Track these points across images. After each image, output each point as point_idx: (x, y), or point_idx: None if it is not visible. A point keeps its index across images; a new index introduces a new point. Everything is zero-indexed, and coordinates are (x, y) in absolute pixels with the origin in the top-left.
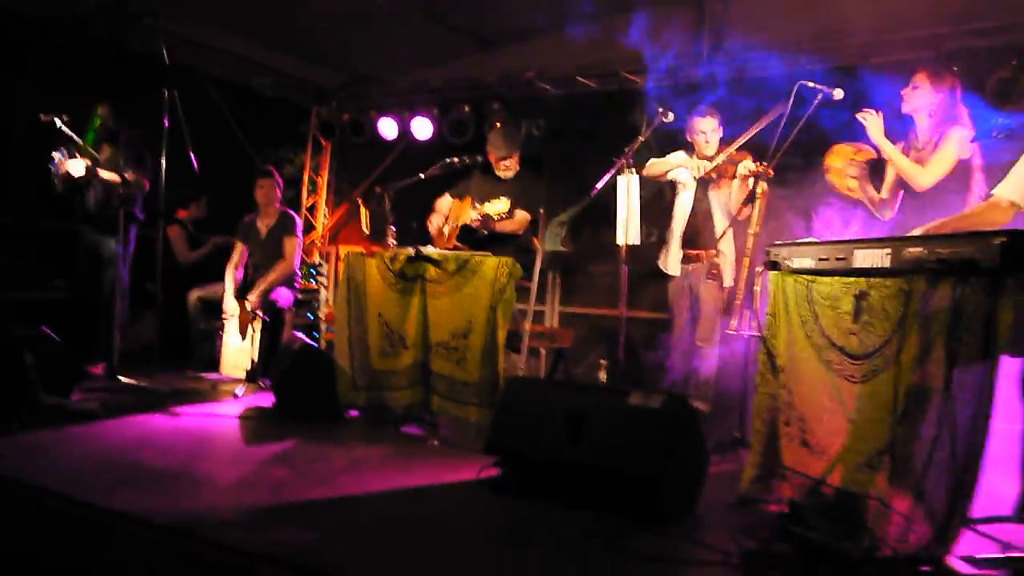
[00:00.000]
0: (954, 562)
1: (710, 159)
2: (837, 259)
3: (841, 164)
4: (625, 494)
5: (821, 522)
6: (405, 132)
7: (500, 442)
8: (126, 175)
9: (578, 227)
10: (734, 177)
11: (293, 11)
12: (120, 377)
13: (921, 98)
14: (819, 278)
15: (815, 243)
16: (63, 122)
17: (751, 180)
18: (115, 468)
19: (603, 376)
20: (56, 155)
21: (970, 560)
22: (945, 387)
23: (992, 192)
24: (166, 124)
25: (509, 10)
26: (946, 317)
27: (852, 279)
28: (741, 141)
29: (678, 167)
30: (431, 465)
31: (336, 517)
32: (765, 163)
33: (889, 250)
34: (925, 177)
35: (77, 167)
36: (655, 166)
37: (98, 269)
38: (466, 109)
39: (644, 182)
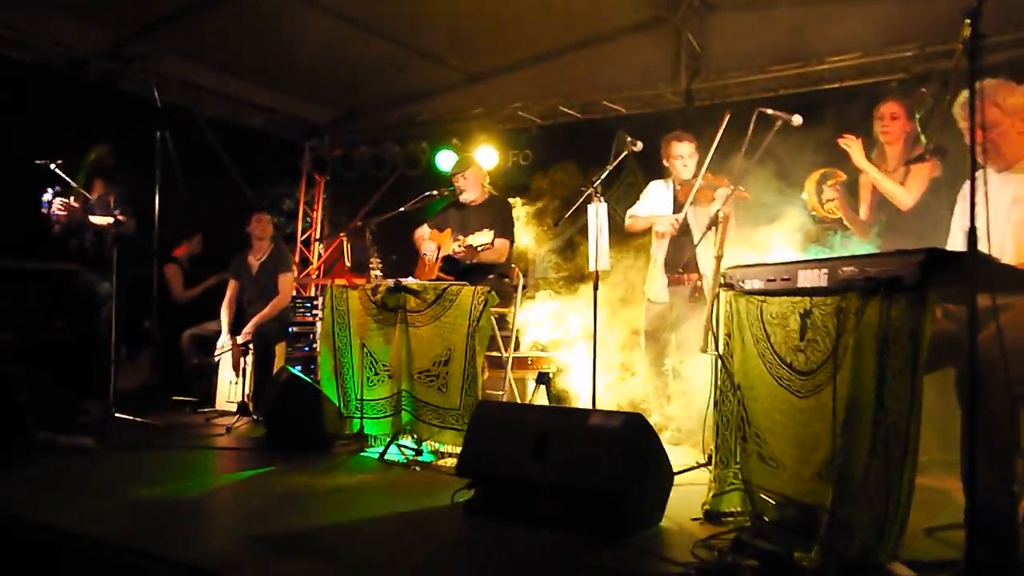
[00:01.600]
0: (898, 567)
1: (687, 183)
2: (783, 280)
3: (812, 187)
4: (590, 509)
5: (777, 533)
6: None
7: (471, 465)
8: (118, 216)
9: (571, 250)
10: (712, 201)
11: (284, 50)
12: (116, 414)
13: (898, 128)
14: (769, 298)
15: (764, 265)
16: (57, 166)
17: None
18: (107, 501)
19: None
20: (47, 196)
21: (914, 563)
22: (878, 399)
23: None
24: (158, 163)
25: (490, 44)
26: (877, 332)
27: (798, 298)
28: (704, 165)
29: (656, 219)
30: (414, 489)
31: (322, 542)
32: (740, 187)
33: (827, 270)
34: (907, 197)
35: (70, 210)
36: (636, 222)
37: (93, 308)
38: (455, 141)
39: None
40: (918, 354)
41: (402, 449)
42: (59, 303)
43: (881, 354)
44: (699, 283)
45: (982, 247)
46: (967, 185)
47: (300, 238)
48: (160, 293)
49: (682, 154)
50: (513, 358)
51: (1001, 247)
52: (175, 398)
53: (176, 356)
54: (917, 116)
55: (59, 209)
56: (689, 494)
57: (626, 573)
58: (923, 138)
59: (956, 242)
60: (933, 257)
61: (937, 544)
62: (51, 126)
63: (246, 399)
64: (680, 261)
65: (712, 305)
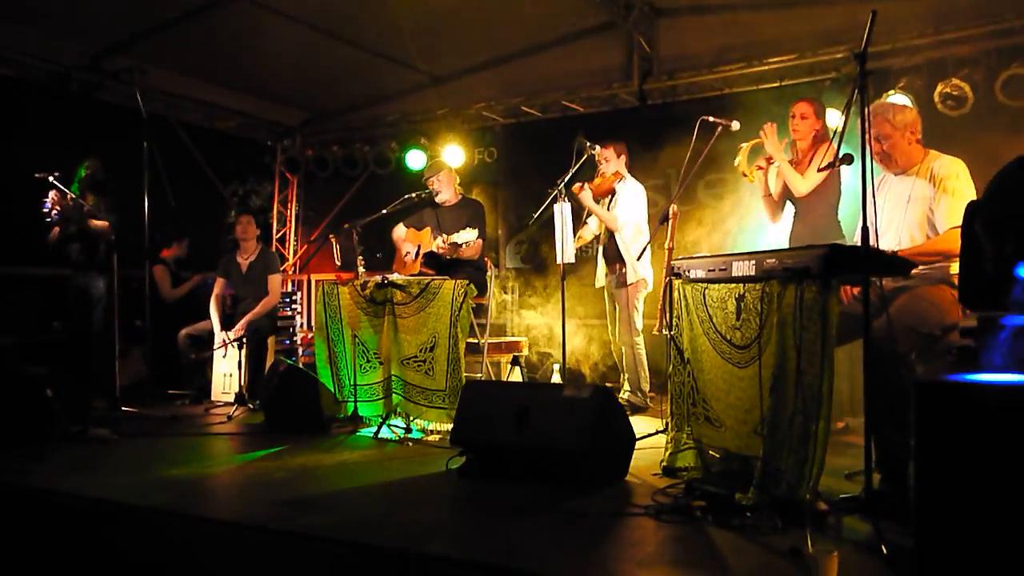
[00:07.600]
0: (817, 502)
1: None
2: (720, 270)
3: (745, 153)
4: (564, 468)
5: (722, 480)
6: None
7: (462, 435)
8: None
9: (536, 244)
10: (612, 191)
11: (256, 57)
12: (123, 407)
13: (806, 126)
14: (711, 285)
15: (705, 257)
16: (55, 178)
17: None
18: (143, 479)
19: (556, 377)
20: (48, 200)
21: (829, 499)
22: (797, 366)
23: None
24: (146, 172)
25: (454, 47)
26: (794, 312)
27: (733, 285)
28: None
29: (590, 228)
30: (408, 460)
31: (333, 502)
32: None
33: (754, 261)
34: (803, 184)
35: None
36: (582, 238)
37: (88, 309)
38: (422, 140)
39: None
40: (827, 329)
41: (393, 428)
42: (55, 305)
43: (798, 329)
44: (623, 271)
45: (884, 242)
46: (872, 186)
47: (275, 236)
48: (150, 293)
49: (608, 158)
50: (489, 344)
51: (899, 239)
52: (171, 391)
53: (166, 352)
54: (836, 129)
55: (55, 204)
56: (650, 455)
57: (598, 513)
58: (833, 146)
59: (858, 236)
60: (834, 251)
61: (854, 485)
62: (39, 138)
63: (242, 389)
64: (611, 253)
65: (665, 291)
